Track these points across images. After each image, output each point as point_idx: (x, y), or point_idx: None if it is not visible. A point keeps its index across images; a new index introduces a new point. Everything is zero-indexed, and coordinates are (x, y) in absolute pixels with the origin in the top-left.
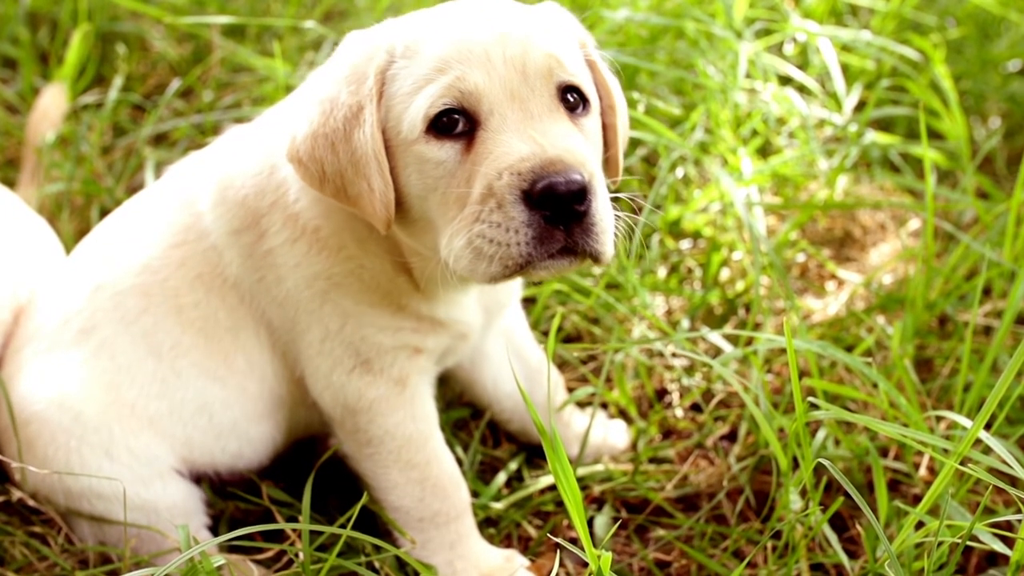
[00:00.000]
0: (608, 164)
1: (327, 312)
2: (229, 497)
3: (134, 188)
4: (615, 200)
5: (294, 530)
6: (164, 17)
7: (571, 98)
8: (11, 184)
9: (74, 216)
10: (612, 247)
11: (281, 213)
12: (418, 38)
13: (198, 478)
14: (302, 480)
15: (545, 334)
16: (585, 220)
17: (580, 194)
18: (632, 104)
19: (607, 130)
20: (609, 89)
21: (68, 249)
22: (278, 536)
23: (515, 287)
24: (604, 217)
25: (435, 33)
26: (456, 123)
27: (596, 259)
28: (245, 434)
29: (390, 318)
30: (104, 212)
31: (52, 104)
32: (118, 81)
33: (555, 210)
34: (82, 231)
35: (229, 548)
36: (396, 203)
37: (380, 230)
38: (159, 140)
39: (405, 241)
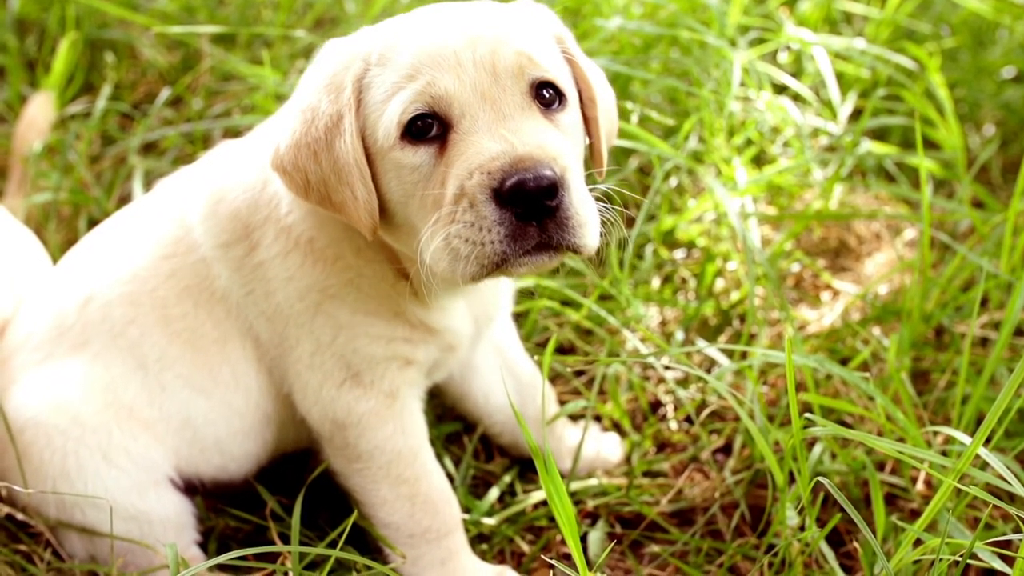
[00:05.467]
0: (592, 156)
1: (319, 324)
2: (220, 512)
3: (123, 198)
4: (606, 195)
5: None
6: (153, 25)
7: (547, 94)
8: None
9: (62, 226)
10: (594, 238)
11: (273, 226)
12: (391, 45)
13: (190, 489)
14: (293, 492)
15: (537, 346)
16: (558, 215)
17: (550, 189)
18: (625, 114)
19: (588, 123)
20: (589, 82)
21: (55, 260)
22: (267, 552)
23: (504, 298)
24: (581, 210)
25: (407, 39)
26: (430, 127)
27: (576, 251)
28: (228, 450)
29: (384, 326)
30: (92, 222)
31: (39, 113)
32: (106, 89)
33: (526, 207)
34: (70, 241)
35: (217, 566)
36: (380, 209)
37: (367, 236)
38: (148, 149)
39: (394, 246)
